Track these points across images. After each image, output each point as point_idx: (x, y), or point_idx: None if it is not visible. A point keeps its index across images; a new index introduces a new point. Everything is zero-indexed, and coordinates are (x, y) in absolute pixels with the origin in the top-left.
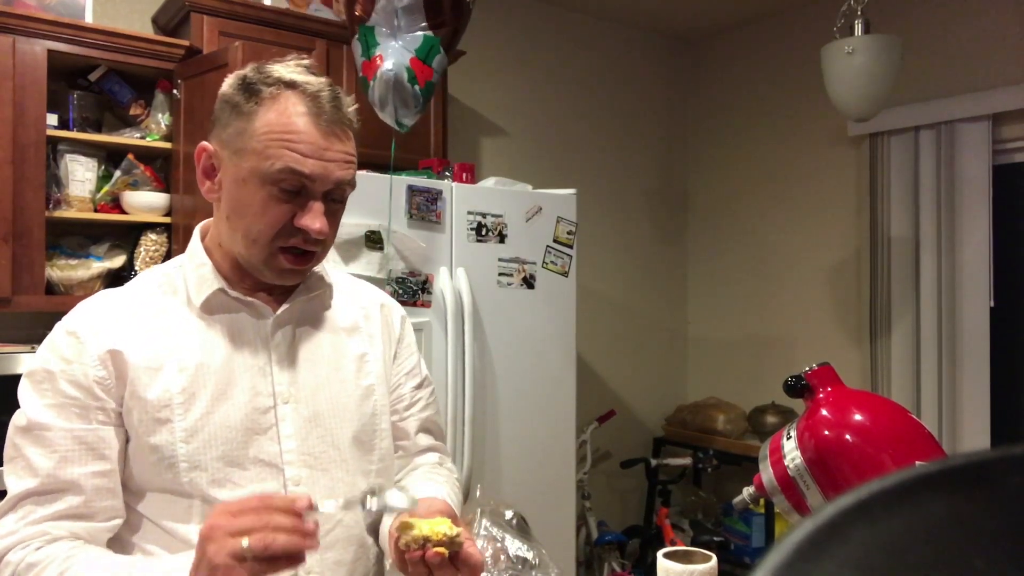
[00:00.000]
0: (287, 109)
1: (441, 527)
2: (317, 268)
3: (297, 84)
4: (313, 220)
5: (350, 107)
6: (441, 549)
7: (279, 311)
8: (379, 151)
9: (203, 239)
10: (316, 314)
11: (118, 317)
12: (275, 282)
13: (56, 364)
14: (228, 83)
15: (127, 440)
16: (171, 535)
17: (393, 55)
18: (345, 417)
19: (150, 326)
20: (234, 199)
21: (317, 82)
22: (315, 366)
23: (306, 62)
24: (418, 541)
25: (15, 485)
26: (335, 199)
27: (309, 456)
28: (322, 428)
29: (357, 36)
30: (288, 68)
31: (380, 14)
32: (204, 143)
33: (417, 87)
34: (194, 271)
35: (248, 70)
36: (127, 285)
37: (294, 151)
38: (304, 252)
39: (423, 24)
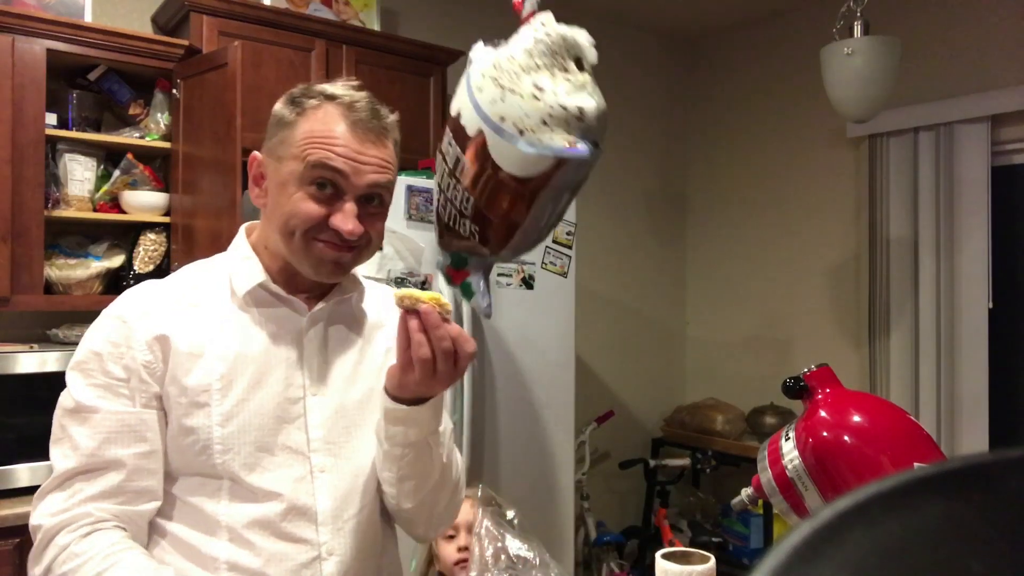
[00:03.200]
0: (325, 117)
1: (434, 294)
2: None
3: (337, 96)
4: (345, 221)
5: (388, 117)
6: (433, 304)
7: (314, 309)
8: None
9: (248, 238)
10: (347, 313)
11: (163, 304)
12: (316, 278)
13: (104, 347)
14: (279, 102)
15: (166, 423)
16: (199, 511)
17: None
18: (370, 409)
19: (193, 314)
20: (276, 202)
21: (358, 95)
22: (343, 362)
23: (355, 82)
24: (412, 298)
25: (60, 463)
26: (372, 203)
27: (334, 445)
28: (347, 420)
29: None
30: (334, 86)
31: None
32: (255, 152)
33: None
34: (239, 264)
35: (297, 88)
36: (170, 276)
37: (329, 151)
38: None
39: None
